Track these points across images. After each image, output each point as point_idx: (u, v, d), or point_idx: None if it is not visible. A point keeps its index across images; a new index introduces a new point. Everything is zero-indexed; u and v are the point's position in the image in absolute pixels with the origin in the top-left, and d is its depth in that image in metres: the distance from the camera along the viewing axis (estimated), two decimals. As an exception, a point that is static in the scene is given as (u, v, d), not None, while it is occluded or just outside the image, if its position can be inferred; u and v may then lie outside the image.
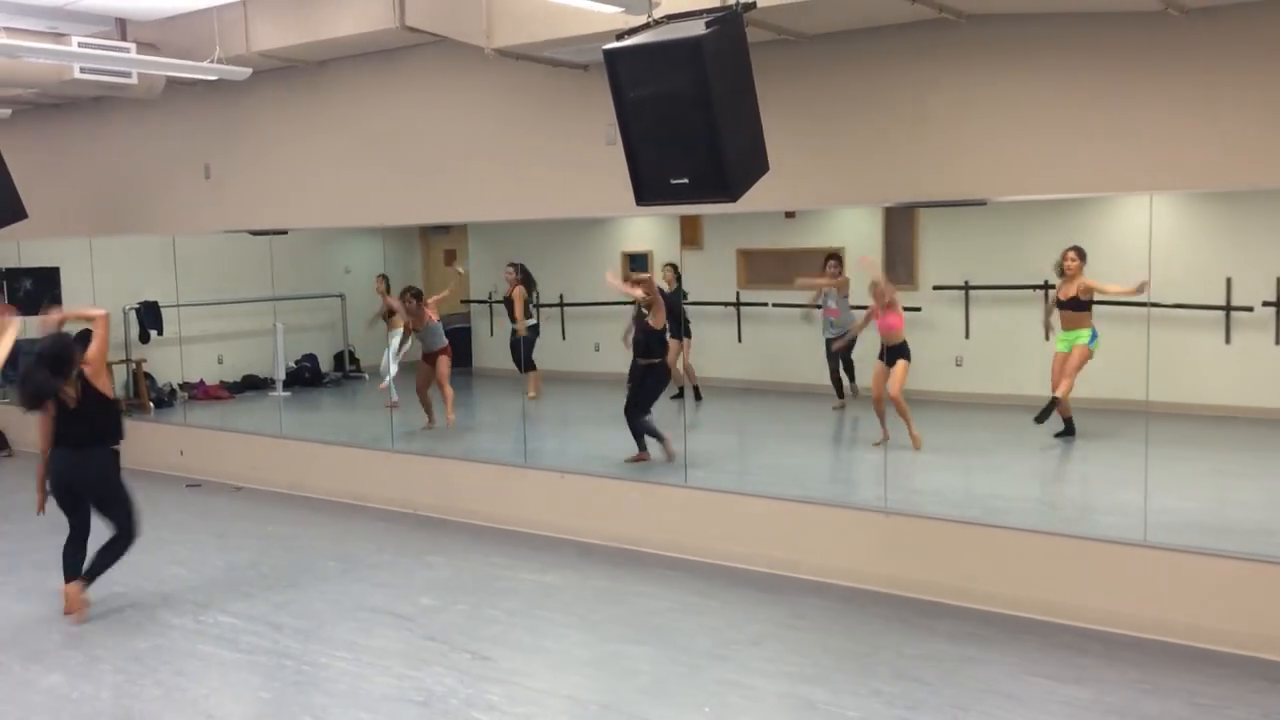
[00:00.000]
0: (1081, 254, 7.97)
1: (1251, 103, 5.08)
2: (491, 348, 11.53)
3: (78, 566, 6.02)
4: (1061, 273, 8.06)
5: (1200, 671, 5.00)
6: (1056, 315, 8.23)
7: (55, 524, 6.56)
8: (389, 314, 10.78)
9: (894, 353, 8.17)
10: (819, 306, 9.74)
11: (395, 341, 10.73)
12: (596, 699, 4.92)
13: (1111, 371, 7.74)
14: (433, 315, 10.03)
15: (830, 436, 9.58)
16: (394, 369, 10.55)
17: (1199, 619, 5.32)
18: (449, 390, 9.82)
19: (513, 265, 10.40)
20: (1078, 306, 7.99)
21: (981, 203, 5.99)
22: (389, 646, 5.59)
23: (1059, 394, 7.97)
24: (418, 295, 10.03)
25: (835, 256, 9.43)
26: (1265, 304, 8.27)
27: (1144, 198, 5.98)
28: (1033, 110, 5.64)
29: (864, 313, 8.62)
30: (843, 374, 9.68)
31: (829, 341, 9.58)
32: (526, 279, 10.42)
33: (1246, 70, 5.08)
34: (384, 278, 10.84)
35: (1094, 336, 7.97)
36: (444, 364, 9.90)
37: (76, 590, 5.96)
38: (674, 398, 9.50)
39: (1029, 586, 5.76)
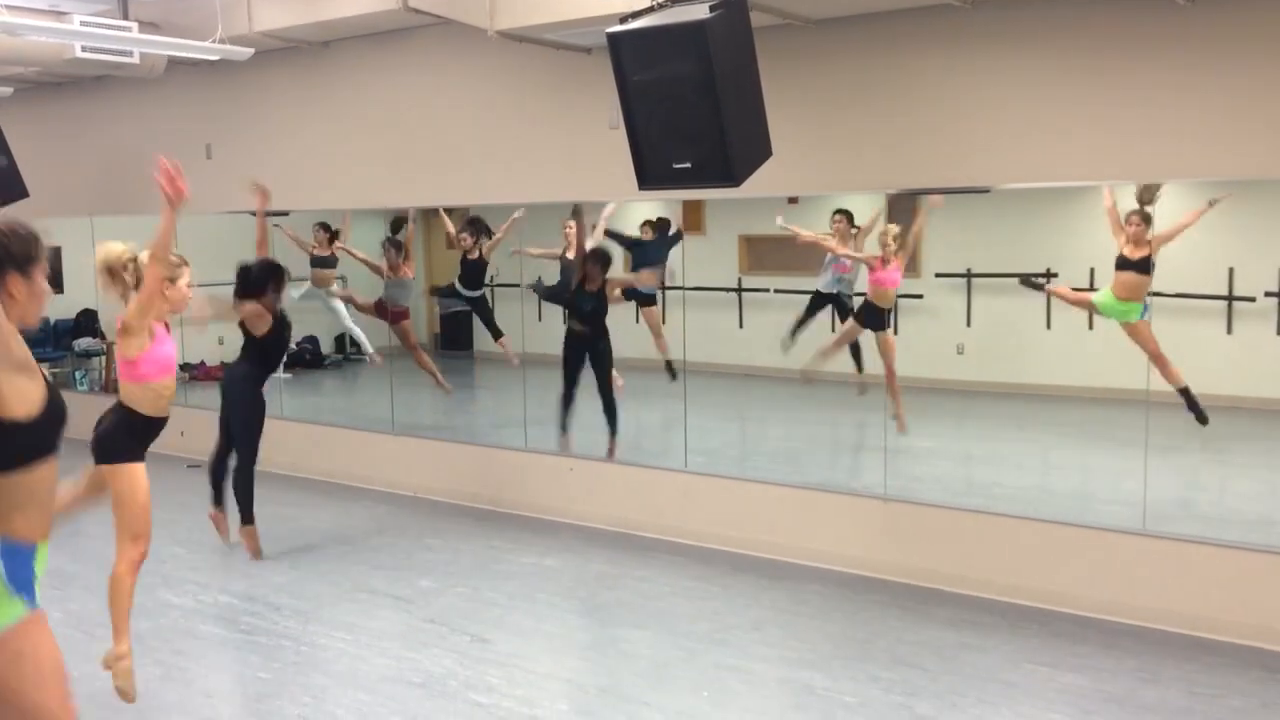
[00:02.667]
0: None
1: (1259, 92, 5.06)
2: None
3: (219, 494, 6.93)
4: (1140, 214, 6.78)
5: (1199, 660, 5.01)
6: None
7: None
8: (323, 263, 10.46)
9: (883, 317, 7.62)
10: (836, 273, 9.06)
11: (340, 305, 10.58)
12: (595, 682, 4.93)
13: (1112, 360, 7.72)
14: (409, 271, 9.92)
15: (831, 422, 9.57)
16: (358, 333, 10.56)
17: (1198, 608, 5.33)
18: (426, 359, 9.66)
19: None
20: (1144, 269, 6.87)
21: (985, 190, 5.97)
22: (388, 628, 5.60)
23: (1179, 383, 6.99)
24: (399, 246, 9.93)
25: (842, 211, 8.85)
26: (1268, 294, 8.24)
27: (1148, 186, 5.96)
28: (1038, 97, 5.62)
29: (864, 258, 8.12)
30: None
31: (832, 299, 8.94)
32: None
33: (1253, 60, 5.06)
34: (323, 225, 10.53)
35: (1145, 309, 7.07)
36: (408, 329, 9.76)
37: (248, 533, 6.77)
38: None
39: (1028, 574, 5.77)
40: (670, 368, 9.58)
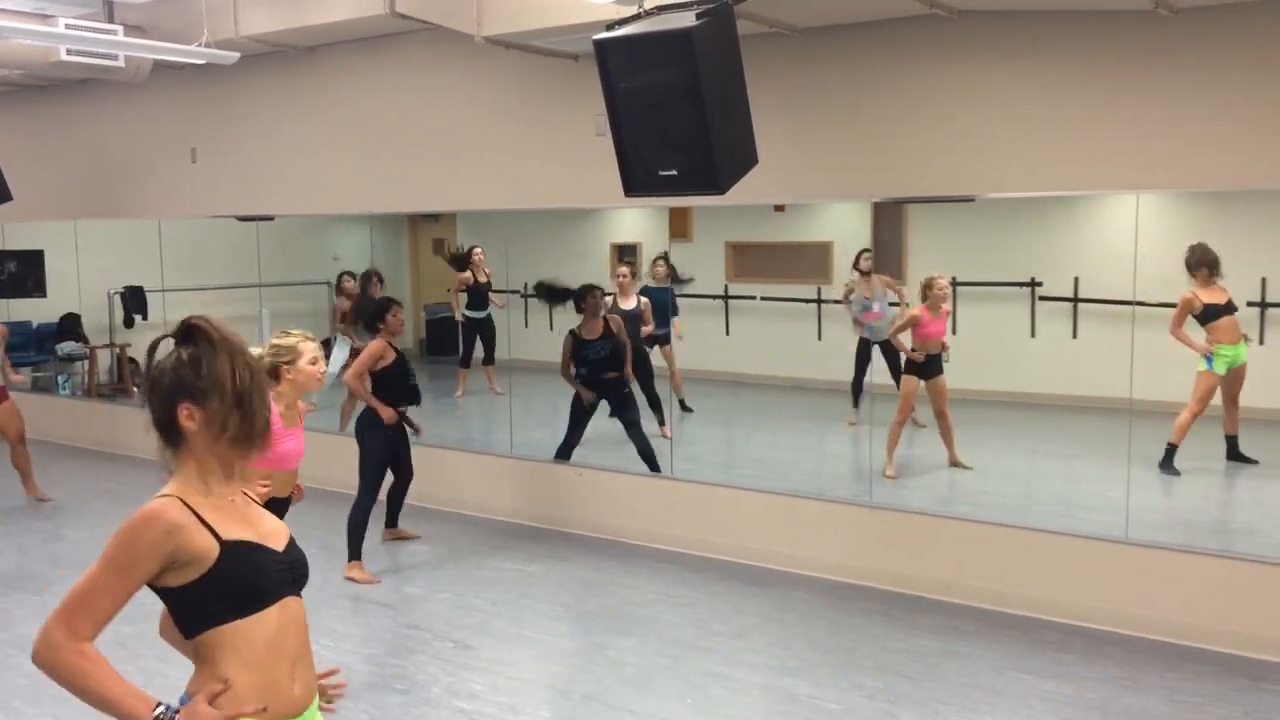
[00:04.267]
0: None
1: (1240, 103, 5.09)
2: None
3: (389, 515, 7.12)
4: (1205, 272, 7.10)
5: (1181, 669, 5.03)
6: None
7: (39, 510, 6.45)
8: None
9: (936, 363, 7.61)
10: (846, 300, 8.89)
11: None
12: (579, 689, 4.92)
13: (1095, 369, 7.76)
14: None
15: (816, 430, 9.59)
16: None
17: (1181, 616, 5.34)
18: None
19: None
20: (1234, 310, 7.12)
21: (970, 199, 5.99)
22: (372, 634, 5.58)
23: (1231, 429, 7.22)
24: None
25: (869, 250, 8.68)
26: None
27: (1131, 197, 5.99)
28: (1022, 107, 5.65)
29: (903, 311, 7.88)
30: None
31: (865, 344, 8.56)
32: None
33: (1236, 70, 5.10)
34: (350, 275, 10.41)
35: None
36: None
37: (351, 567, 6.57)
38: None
39: (1012, 582, 5.78)
40: (684, 404, 9.54)
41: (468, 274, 10.57)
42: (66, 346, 11.37)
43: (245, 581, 2.18)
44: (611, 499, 7.27)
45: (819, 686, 4.86)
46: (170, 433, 2.23)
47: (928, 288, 7.60)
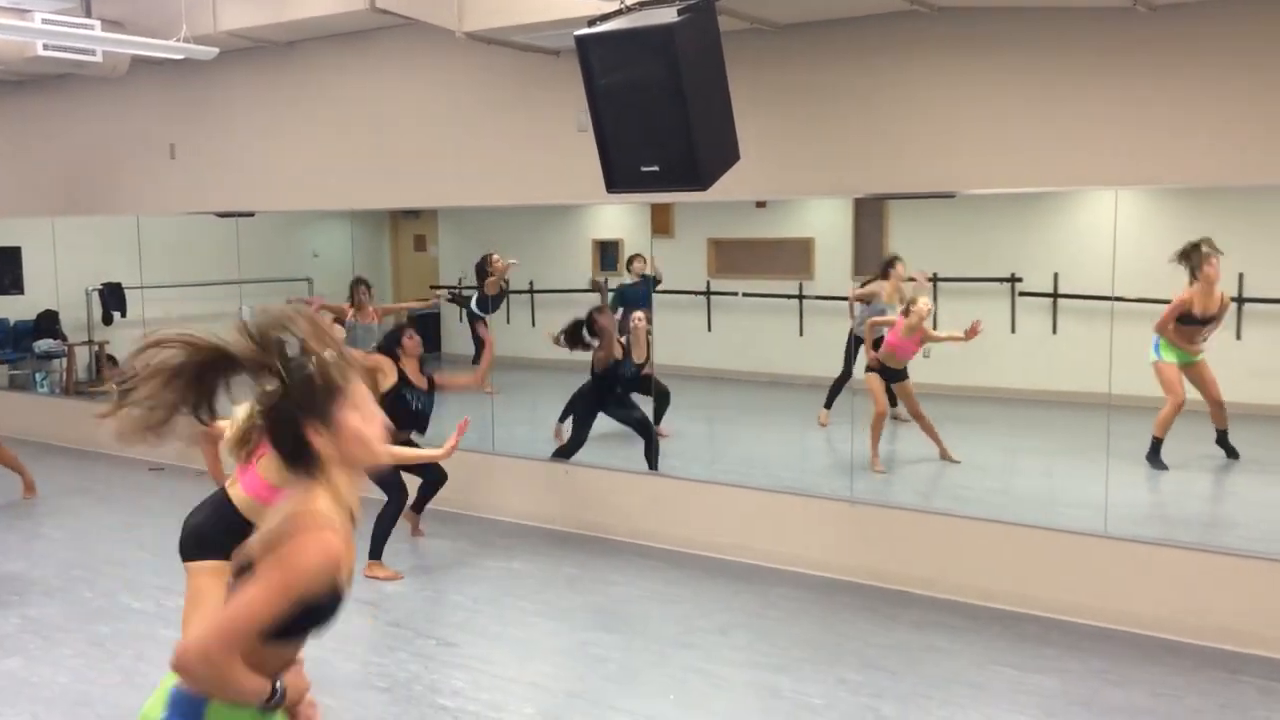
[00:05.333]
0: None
1: (1217, 99, 5.12)
2: (462, 333, 11.46)
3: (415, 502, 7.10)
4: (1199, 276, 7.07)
5: (1162, 662, 5.06)
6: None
7: (17, 509, 6.37)
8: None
9: (898, 372, 7.74)
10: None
11: None
12: (562, 686, 4.91)
13: (1075, 365, 7.80)
14: (376, 316, 9.69)
15: (798, 426, 9.60)
16: None
17: (1160, 610, 5.38)
18: None
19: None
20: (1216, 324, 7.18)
21: (950, 195, 6.01)
22: (353, 632, 5.55)
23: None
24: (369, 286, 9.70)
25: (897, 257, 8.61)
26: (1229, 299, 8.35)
27: (1110, 193, 6.02)
28: (1002, 104, 5.66)
29: (893, 318, 7.84)
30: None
31: (856, 339, 8.41)
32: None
33: (1214, 67, 5.12)
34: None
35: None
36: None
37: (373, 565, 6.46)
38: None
39: (995, 577, 5.80)
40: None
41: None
42: (44, 344, 11.28)
43: (322, 626, 2.18)
44: (595, 496, 7.27)
45: (802, 681, 4.87)
46: (303, 458, 2.09)
47: (910, 304, 7.63)
